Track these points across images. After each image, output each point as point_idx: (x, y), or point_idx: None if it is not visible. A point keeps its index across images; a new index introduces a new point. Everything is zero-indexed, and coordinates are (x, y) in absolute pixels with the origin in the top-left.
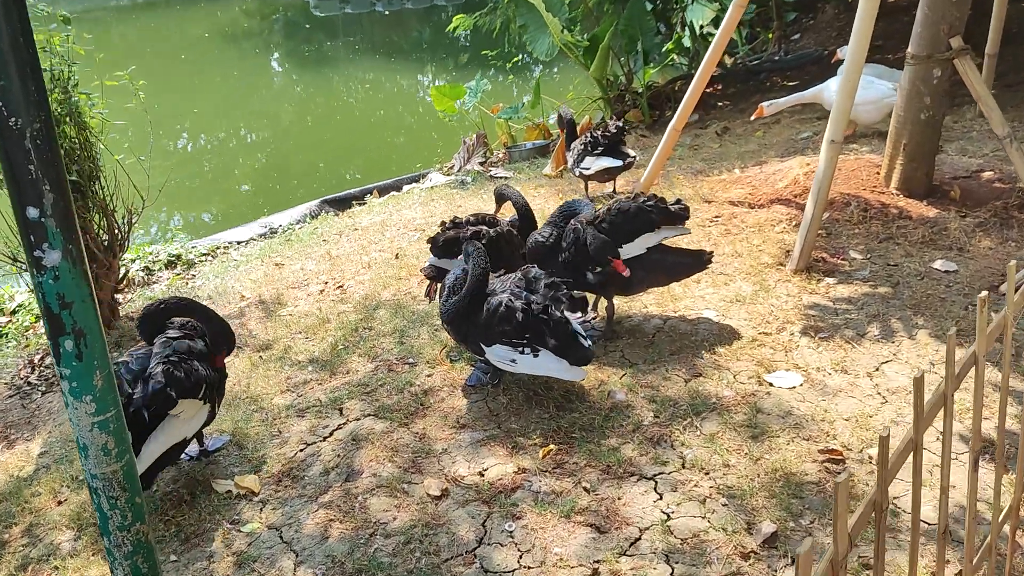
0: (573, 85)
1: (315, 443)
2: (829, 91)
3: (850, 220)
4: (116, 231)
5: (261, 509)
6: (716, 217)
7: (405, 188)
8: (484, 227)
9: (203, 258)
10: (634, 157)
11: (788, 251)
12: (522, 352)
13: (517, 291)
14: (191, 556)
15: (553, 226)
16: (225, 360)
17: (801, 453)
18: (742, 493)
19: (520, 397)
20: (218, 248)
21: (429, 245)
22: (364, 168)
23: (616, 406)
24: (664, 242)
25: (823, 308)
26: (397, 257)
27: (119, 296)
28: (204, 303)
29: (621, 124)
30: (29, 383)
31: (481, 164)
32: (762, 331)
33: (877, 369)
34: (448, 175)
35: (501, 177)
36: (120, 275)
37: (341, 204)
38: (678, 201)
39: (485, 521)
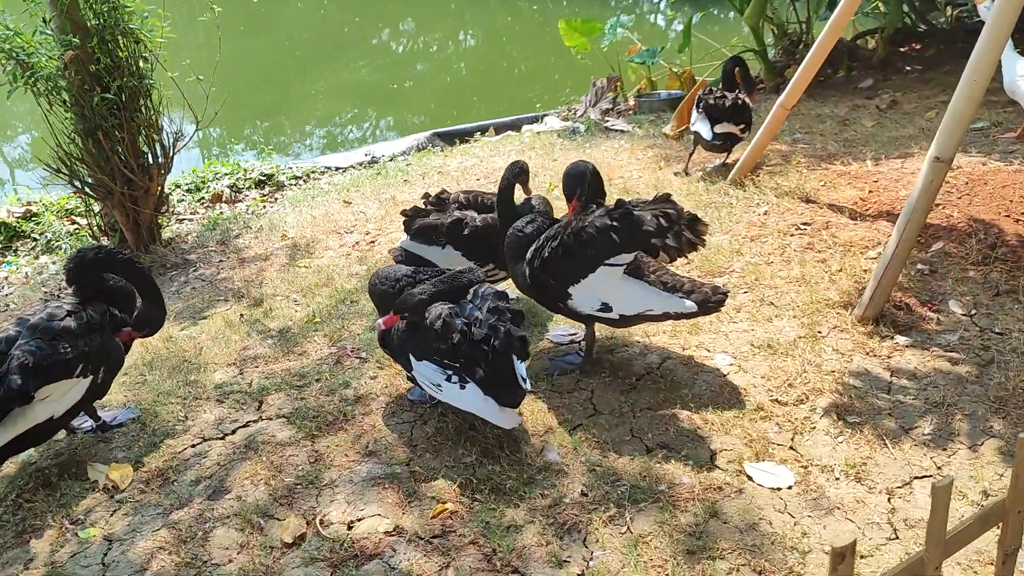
0: (740, 33)
1: (210, 440)
2: (1010, 69)
3: (967, 258)
4: (157, 153)
5: (113, 512)
6: (805, 225)
7: (524, 129)
8: (471, 213)
9: (294, 182)
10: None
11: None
12: (449, 379)
13: (464, 306)
14: (11, 556)
15: (545, 217)
16: (138, 338)
17: None
18: None
19: (451, 428)
20: (313, 172)
21: (403, 221)
22: (490, 101)
23: (547, 467)
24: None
25: (872, 380)
26: None
27: (163, 220)
28: (234, 240)
29: (737, 92)
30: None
31: (606, 111)
32: (776, 397)
33: (905, 485)
34: (566, 120)
35: (616, 130)
36: (159, 198)
37: (452, 138)
38: (692, 220)
39: None
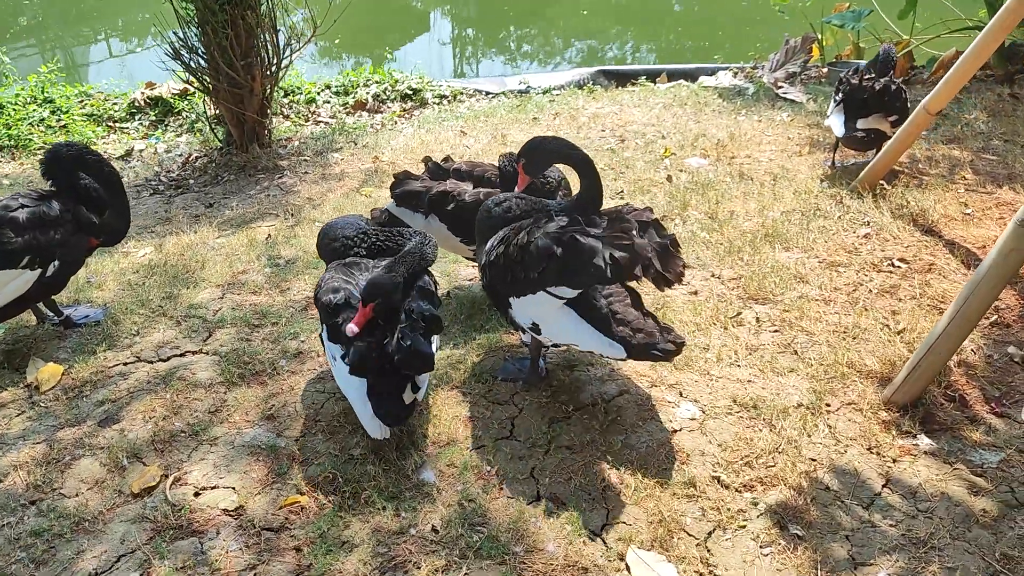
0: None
1: (140, 363)
2: None
3: None
4: (270, 55)
5: (19, 414)
6: (901, 262)
7: (702, 80)
8: (465, 186)
9: (438, 100)
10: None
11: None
12: (344, 358)
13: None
14: None
15: (526, 202)
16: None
17: None
18: None
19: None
20: (460, 93)
21: (391, 183)
22: (668, 44)
23: (418, 487)
24: (617, 289)
25: (854, 484)
26: None
27: (275, 123)
28: (330, 154)
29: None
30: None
31: (791, 75)
32: (720, 475)
33: None
34: (737, 77)
35: (787, 99)
36: (263, 100)
37: (620, 79)
38: (664, 250)
39: (112, 552)
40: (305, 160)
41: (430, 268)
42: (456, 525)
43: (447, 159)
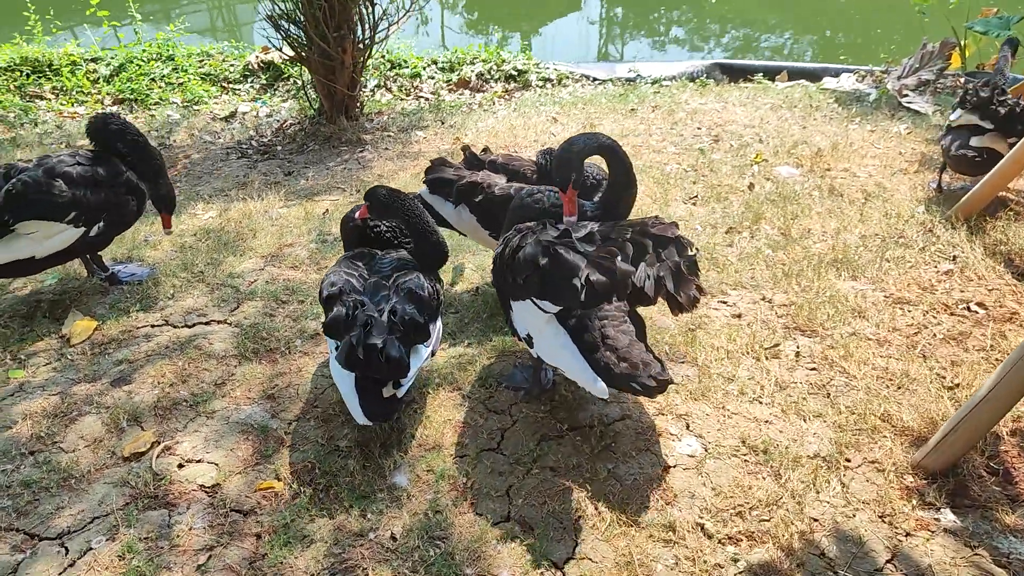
0: None
1: (167, 327)
2: None
3: None
4: (366, 29)
5: (47, 364)
6: (979, 307)
7: (825, 81)
8: (497, 179)
9: (542, 83)
10: None
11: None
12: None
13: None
14: None
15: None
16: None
17: None
18: None
19: None
20: (566, 78)
21: (426, 168)
22: (797, 40)
23: (389, 489)
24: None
25: (853, 556)
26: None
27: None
28: (414, 131)
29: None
30: (250, 151)
31: (923, 83)
32: (706, 523)
33: None
34: (861, 81)
35: (911, 109)
36: (353, 74)
37: (736, 73)
38: (677, 272)
39: (88, 513)
40: (389, 136)
41: (438, 274)
42: (416, 536)
43: (485, 150)
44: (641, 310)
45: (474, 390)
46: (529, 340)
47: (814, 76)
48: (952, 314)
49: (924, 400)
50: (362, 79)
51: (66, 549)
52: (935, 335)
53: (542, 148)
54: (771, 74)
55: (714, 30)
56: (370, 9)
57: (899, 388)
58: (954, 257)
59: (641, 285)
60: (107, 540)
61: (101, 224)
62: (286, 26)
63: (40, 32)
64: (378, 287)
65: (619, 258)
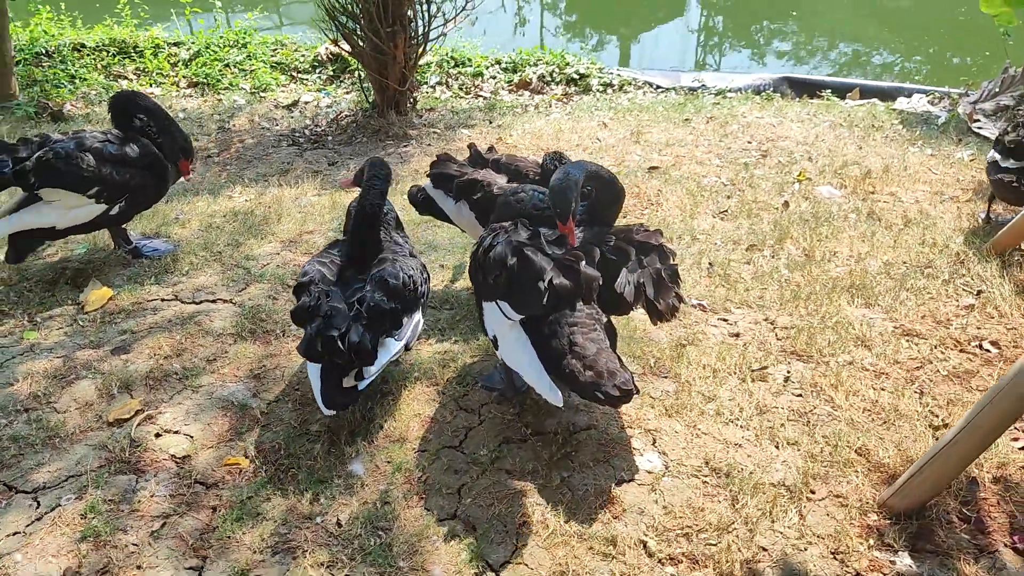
0: None
1: (175, 302)
2: None
3: None
4: (418, 27)
5: (60, 328)
6: (992, 345)
7: (900, 101)
8: (497, 179)
9: (603, 88)
10: None
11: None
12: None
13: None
14: None
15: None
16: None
17: None
18: None
19: None
20: (628, 84)
21: (431, 163)
22: (919, 61)
23: (346, 476)
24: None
25: None
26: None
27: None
28: (460, 130)
29: None
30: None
31: (1001, 108)
32: (649, 541)
33: None
34: (933, 104)
35: (981, 135)
36: (404, 70)
37: (806, 88)
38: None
39: (64, 472)
40: (435, 133)
41: (424, 267)
42: (360, 524)
43: (491, 149)
44: (634, 322)
45: (450, 387)
46: (495, 342)
47: (888, 95)
48: (962, 351)
49: (907, 437)
50: (414, 75)
51: (38, 503)
52: (938, 371)
53: (550, 152)
54: (842, 91)
55: (821, 44)
56: (425, 7)
57: (884, 423)
58: (979, 292)
59: (621, 291)
60: (75, 499)
61: (121, 204)
62: (343, 20)
63: (128, 15)
64: (352, 278)
65: (583, 262)
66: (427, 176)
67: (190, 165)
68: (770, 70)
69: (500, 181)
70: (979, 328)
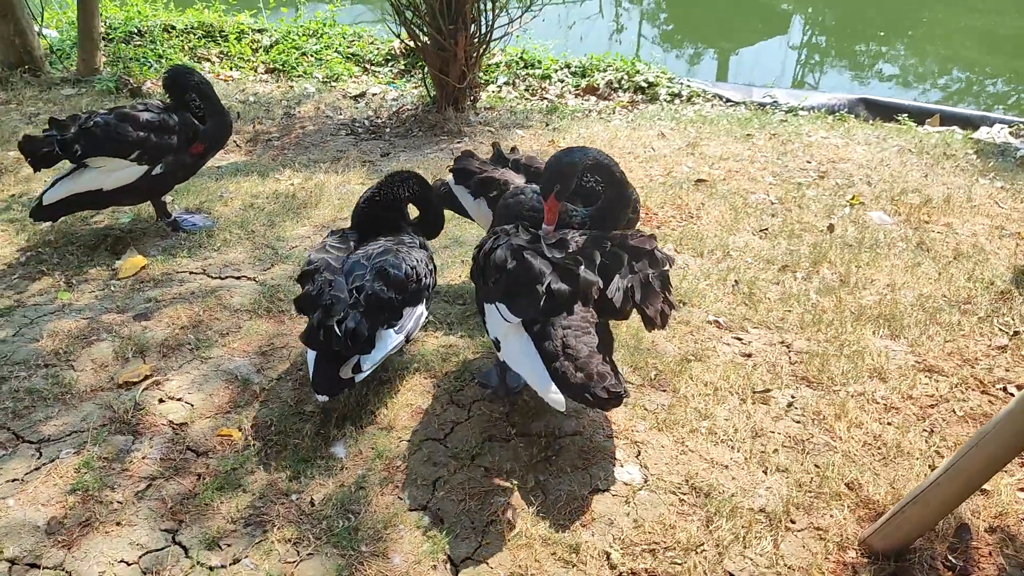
0: None
1: (203, 275)
2: None
3: None
4: (481, 25)
5: (92, 292)
6: (1017, 389)
7: (982, 131)
8: (515, 179)
9: (670, 98)
10: None
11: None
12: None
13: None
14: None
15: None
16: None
17: None
18: None
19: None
20: (697, 96)
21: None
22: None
23: (327, 458)
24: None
25: None
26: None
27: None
28: (514, 130)
29: None
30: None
31: None
32: (613, 552)
33: None
34: (1017, 137)
35: None
36: (464, 68)
37: (882, 111)
38: (645, 285)
39: (69, 427)
40: (489, 131)
41: (431, 259)
42: (332, 506)
43: (513, 149)
44: (642, 332)
45: (447, 381)
46: (497, 344)
47: (971, 123)
48: (984, 392)
49: (903, 476)
50: (476, 73)
51: (40, 454)
52: (953, 411)
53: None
54: (921, 116)
55: (931, 70)
56: (489, 5)
57: (883, 458)
58: (1016, 332)
59: (611, 296)
60: (74, 453)
61: (162, 165)
62: (408, 15)
63: (218, 1)
64: (356, 265)
65: (583, 267)
66: (448, 170)
67: (202, 147)
68: (846, 90)
69: (518, 180)
70: (1007, 370)
